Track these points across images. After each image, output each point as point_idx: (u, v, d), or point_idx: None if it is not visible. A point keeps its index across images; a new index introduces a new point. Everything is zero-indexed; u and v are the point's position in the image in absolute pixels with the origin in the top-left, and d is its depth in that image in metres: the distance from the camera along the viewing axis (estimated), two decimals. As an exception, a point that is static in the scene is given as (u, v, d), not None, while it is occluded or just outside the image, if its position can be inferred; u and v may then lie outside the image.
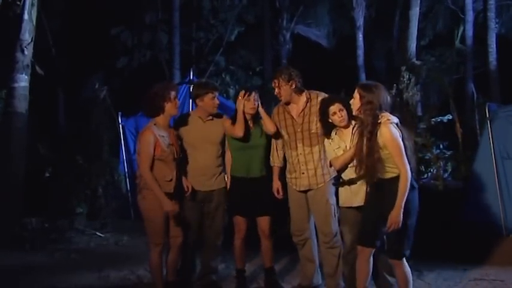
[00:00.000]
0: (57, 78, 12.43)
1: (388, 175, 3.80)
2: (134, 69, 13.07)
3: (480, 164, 6.16)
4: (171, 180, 4.31)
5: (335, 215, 4.44)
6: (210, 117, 4.63)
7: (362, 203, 4.02)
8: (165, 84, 4.49)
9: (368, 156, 3.79)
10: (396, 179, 3.74)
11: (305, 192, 4.52)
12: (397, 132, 3.78)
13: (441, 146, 8.67)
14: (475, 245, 5.54)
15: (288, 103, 4.53)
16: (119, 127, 8.40)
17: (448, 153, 8.54)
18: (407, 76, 8.87)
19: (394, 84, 8.69)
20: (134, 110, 8.64)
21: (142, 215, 4.38)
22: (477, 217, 5.93)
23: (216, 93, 4.60)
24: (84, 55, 12.29)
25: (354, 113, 3.97)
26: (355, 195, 4.10)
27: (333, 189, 4.41)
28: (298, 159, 4.49)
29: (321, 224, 4.49)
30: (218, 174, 4.67)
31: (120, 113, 8.45)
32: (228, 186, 4.71)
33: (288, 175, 4.59)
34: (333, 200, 4.43)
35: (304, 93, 4.52)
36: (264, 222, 4.67)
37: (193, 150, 4.58)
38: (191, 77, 8.51)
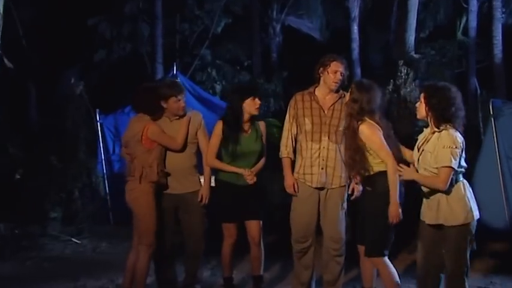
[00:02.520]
0: (28, 72, 12.32)
1: (375, 170, 4.16)
2: (113, 63, 12.96)
3: (483, 164, 6.20)
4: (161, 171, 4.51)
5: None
6: (178, 116, 4.65)
7: (434, 221, 3.87)
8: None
9: (346, 154, 4.25)
10: (383, 173, 4.09)
11: (319, 190, 4.49)
12: (374, 127, 4.16)
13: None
14: (478, 249, 5.52)
15: (318, 94, 4.54)
16: (97, 125, 8.36)
17: (449, 152, 8.54)
18: (405, 71, 8.87)
19: (391, 80, 8.69)
20: (113, 106, 8.62)
21: (136, 213, 4.45)
22: (480, 220, 5.93)
23: (181, 97, 4.60)
24: (58, 47, 12.19)
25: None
26: (429, 209, 3.92)
27: (346, 194, 4.49)
28: (319, 153, 4.47)
29: (331, 230, 4.48)
30: (191, 175, 4.68)
31: (98, 110, 8.41)
32: (216, 190, 4.72)
33: (300, 171, 4.53)
34: (345, 205, 4.49)
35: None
36: (254, 227, 4.68)
37: (168, 151, 4.60)
38: (175, 72, 8.49)
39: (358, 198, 4.41)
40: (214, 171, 4.79)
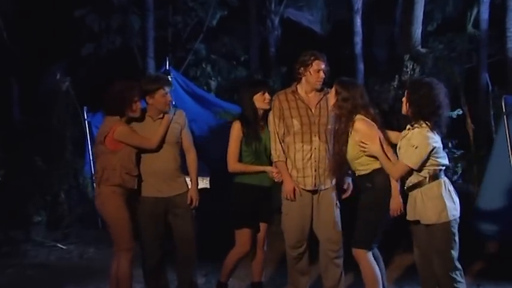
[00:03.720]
0: (10, 67, 12.28)
1: (362, 172, 4.32)
2: (101, 57, 12.94)
3: (495, 165, 6.19)
4: (135, 175, 4.52)
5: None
6: (161, 115, 4.63)
7: (412, 217, 4.14)
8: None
9: (336, 154, 4.36)
10: (370, 174, 4.28)
11: (311, 193, 4.55)
12: (371, 124, 4.28)
13: (450, 145, 8.67)
14: (489, 257, 5.53)
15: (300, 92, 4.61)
16: (85, 123, 8.31)
17: (458, 152, 8.53)
18: (411, 66, 8.89)
19: (396, 76, 8.68)
20: (102, 104, 8.57)
21: (106, 219, 4.49)
22: (491, 225, 5.93)
23: (168, 89, 4.62)
24: (42, 40, 12.14)
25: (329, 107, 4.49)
26: (409, 205, 4.19)
27: (337, 192, 4.60)
28: (311, 155, 4.53)
29: (328, 231, 4.54)
30: (178, 177, 4.68)
31: (85, 108, 8.35)
32: (234, 194, 4.73)
33: (292, 174, 4.58)
34: (339, 204, 4.59)
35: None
36: (261, 230, 4.75)
37: (148, 153, 4.59)
38: (167, 67, 8.47)
39: (358, 197, 4.44)
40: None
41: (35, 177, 8.11)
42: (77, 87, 9.13)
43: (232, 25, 14.64)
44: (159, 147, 4.59)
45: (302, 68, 4.57)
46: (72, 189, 8.34)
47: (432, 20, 13.68)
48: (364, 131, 4.26)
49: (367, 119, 4.31)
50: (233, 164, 4.69)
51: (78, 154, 8.63)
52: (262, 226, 4.75)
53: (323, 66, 4.55)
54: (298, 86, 4.64)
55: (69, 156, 8.51)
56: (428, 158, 4.00)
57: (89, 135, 8.31)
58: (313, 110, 4.57)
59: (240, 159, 4.70)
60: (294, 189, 4.53)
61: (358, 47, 14.35)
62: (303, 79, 4.59)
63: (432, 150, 3.98)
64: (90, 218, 7.87)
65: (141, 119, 4.63)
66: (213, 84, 13.24)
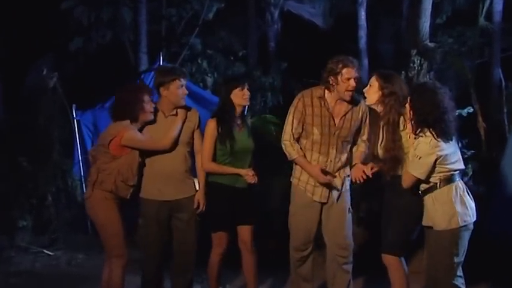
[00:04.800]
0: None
1: (400, 172, 4.25)
2: (91, 52, 12.88)
3: (508, 166, 6.18)
4: (131, 185, 4.47)
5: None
6: (174, 112, 4.57)
7: (425, 222, 4.18)
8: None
9: (390, 151, 4.23)
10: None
11: (322, 203, 4.58)
12: None
13: (460, 145, 8.66)
14: (503, 262, 5.52)
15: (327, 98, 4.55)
16: (73, 122, 8.34)
17: (469, 152, 8.54)
18: (419, 61, 8.91)
19: (403, 71, 8.68)
20: (91, 101, 8.58)
21: (96, 223, 4.49)
22: (505, 228, 5.91)
23: (185, 81, 4.60)
24: (28, 34, 12.09)
25: (368, 103, 4.41)
26: (424, 210, 4.20)
27: (349, 196, 4.62)
28: (326, 167, 4.53)
29: (338, 236, 4.56)
30: (187, 179, 4.67)
31: (74, 106, 8.39)
32: (208, 195, 4.73)
33: (301, 178, 4.60)
34: (351, 209, 4.61)
35: None
36: (246, 232, 4.74)
37: (157, 153, 4.56)
38: (161, 63, 8.50)
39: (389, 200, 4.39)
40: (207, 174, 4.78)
41: (20, 179, 8.08)
42: (65, 83, 9.08)
43: (229, 18, 14.63)
44: (172, 147, 4.56)
45: (331, 77, 4.47)
46: (60, 192, 8.30)
47: (441, 12, 13.61)
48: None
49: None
50: (206, 163, 4.69)
51: (66, 154, 8.60)
52: (245, 229, 4.74)
53: (354, 74, 4.45)
54: (326, 92, 4.56)
55: (56, 156, 8.47)
56: (434, 167, 4.02)
57: (78, 134, 8.35)
58: (336, 121, 4.54)
59: (216, 159, 4.70)
60: (321, 171, 4.49)
61: (363, 42, 14.34)
62: (332, 88, 4.51)
63: (437, 159, 4.00)
64: (79, 222, 7.88)
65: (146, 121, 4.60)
66: (209, 80, 13.21)
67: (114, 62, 12.24)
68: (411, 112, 4.08)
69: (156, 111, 4.60)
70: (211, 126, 4.68)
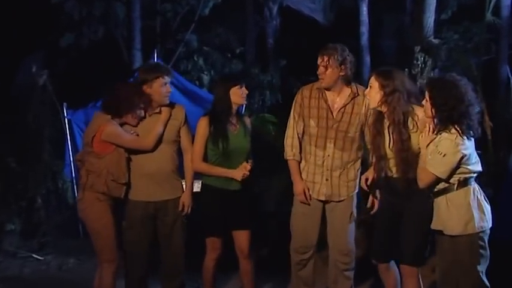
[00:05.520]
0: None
1: (412, 174, 4.13)
2: (83, 49, 12.90)
3: (516, 167, 6.15)
4: (124, 183, 4.46)
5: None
6: (158, 110, 4.57)
7: (434, 226, 4.08)
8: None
9: (404, 151, 4.13)
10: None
11: (323, 202, 4.58)
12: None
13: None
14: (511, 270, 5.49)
15: (328, 89, 4.53)
16: (64, 121, 8.29)
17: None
18: (423, 59, 8.94)
19: (406, 69, 8.69)
20: (83, 100, 8.55)
21: (88, 227, 4.49)
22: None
23: (169, 79, 4.61)
24: (16, 29, 12.06)
25: (371, 106, 4.31)
26: (434, 214, 4.10)
27: (355, 201, 4.58)
28: (323, 162, 4.54)
29: (340, 242, 4.58)
30: (174, 180, 4.66)
31: (65, 104, 8.34)
32: (201, 197, 4.74)
33: (302, 176, 4.62)
34: (355, 213, 4.59)
35: (350, 86, 4.55)
36: (243, 238, 4.72)
37: (141, 152, 4.55)
38: (155, 60, 8.47)
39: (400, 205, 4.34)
40: (200, 175, 4.79)
41: (8, 181, 8.04)
42: (56, 81, 9.05)
43: (226, 14, 14.64)
44: (155, 147, 4.54)
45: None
46: (50, 194, 8.29)
47: (446, 7, 13.61)
48: (422, 119, 4.13)
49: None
50: (197, 163, 4.68)
51: (56, 155, 8.58)
52: (241, 234, 4.72)
53: (320, 60, 4.48)
54: None
55: (46, 157, 8.44)
56: (458, 167, 3.88)
57: (69, 134, 8.30)
58: (334, 114, 4.54)
59: (207, 159, 4.69)
60: (305, 191, 4.56)
61: (364, 38, 14.35)
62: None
63: (462, 158, 3.85)
64: (69, 225, 7.86)
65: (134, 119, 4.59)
66: (205, 78, 13.24)
67: (106, 59, 12.24)
68: (433, 110, 3.91)
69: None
70: (203, 124, 4.68)
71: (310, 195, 4.58)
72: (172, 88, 8.20)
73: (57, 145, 8.58)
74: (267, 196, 6.80)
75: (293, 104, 4.67)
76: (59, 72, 10.87)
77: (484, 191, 6.62)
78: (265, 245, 5.88)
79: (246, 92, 4.71)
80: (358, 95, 4.53)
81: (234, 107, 4.68)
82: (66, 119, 8.32)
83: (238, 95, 4.65)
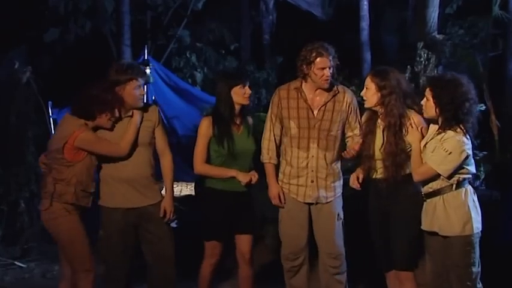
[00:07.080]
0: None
1: (402, 172, 4.28)
2: (69, 44, 12.94)
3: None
4: (91, 192, 4.46)
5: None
6: (131, 113, 4.54)
7: (428, 227, 4.15)
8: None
9: (396, 155, 4.25)
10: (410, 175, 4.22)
11: (309, 204, 4.61)
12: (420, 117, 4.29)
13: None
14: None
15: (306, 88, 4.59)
16: (49, 121, 8.37)
17: (481, 154, 8.54)
18: (426, 55, 8.96)
19: (408, 66, 8.72)
20: (69, 98, 8.51)
21: (58, 238, 4.47)
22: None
23: (143, 81, 4.56)
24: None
25: (367, 106, 4.40)
26: (425, 214, 4.19)
27: (341, 203, 4.63)
28: (307, 163, 4.58)
29: (328, 245, 4.60)
30: (153, 184, 4.63)
31: (50, 103, 8.42)
32: (203, 200, 4.76)
33: (285, 180, 4.67)
34: (342, 215, 4.62)
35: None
36: (245, 243, 4.74)
37: (116, 158, 4.51)
38: (146, 57, 8.48)
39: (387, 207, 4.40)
40: (197, 177, 4.80)
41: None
42: (40, 78, 9.01)
43: (220, 9, 14.69)
44: (131, 151, 4.49)
45: (305, 66, 4.53)
46: (34, 198, 8.08)
47: (451, 1, 13.65)
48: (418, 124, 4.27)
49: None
50: (199, 165, 4.68)
51: (41, 156, 8.57)
52: (244, 238, 4.73)
53: (329, 63, 4.48)
54: (303, 82, 4.61)
55: (30, 158, 8.34)
56: (460, 167, 3.99)
57: (54, 134, 8.29)
58: (315, 113, 4.57)
59: (210, 161, 4.68)
60: (279, 195, 4.62)
61: (365, 34, 14.35)
62: (308, 76, 4.55)
63: (466, 158, 3.98)
64: (54, 231, 7.91)
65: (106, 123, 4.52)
66: (198, 76, 13.27)
67: (94, 55, 12.22)
68: (437, 109, 4.01)
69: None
70: (205, 125, 4.65)
71: (284, 199, 4.63)
72: (164, 86, 8.28)
73: (42, 146, 8.52)
74: (263, 198, 6.78)
75: (270, 106, 4.69)
76: (43, 69, 10.91)
77: (490, 193, 6.69)
78: (261, 249, 5.87)
79: (249, 91, 4.68)
80: (338, 92, 4.59)
81: (237, 107, 4.65)
82: (51, 119, 8.34)
83: (240, 95, 4.62)
